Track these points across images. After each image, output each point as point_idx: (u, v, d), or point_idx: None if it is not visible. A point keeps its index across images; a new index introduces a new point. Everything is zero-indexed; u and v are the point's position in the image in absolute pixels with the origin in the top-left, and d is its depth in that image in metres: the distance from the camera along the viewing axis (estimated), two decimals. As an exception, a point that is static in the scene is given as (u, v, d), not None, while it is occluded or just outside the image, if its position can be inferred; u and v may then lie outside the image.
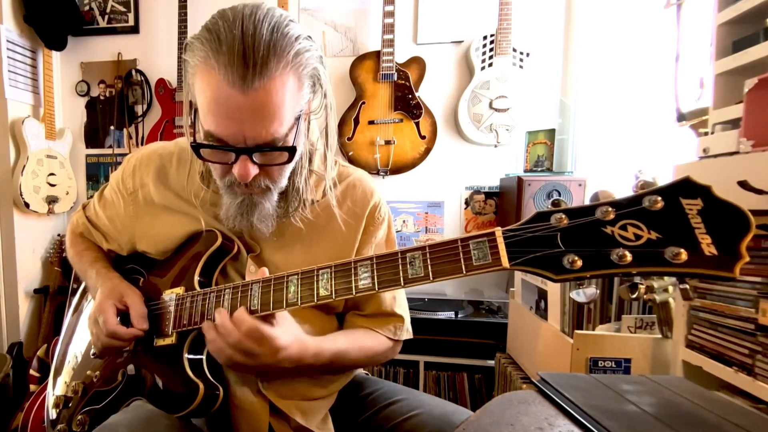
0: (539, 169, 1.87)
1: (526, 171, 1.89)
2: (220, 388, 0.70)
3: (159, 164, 0.82)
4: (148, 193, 0.82)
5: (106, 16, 2.28)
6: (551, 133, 1.86)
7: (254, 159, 0.63)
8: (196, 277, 0.75)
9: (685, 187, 0.43)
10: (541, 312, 1.28)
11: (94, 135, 2.33)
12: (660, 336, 0.96)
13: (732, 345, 0.75)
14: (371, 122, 1.96)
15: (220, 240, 0.75)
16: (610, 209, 0.46)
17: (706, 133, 0.93)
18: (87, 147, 2.34)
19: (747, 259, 0.40)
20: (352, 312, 0.84)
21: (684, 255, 0.42)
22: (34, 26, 2.08)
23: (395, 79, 1.94)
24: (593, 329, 1.08)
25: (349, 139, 1.97)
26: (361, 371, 0.92)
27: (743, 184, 0.66)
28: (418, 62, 1.96)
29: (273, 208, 0.72)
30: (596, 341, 1.00)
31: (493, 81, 1.88)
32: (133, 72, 2.26)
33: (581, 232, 0.47)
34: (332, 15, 2.10)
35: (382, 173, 1.98)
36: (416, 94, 1.95)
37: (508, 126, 1.89)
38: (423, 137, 1.96)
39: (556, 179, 1.70)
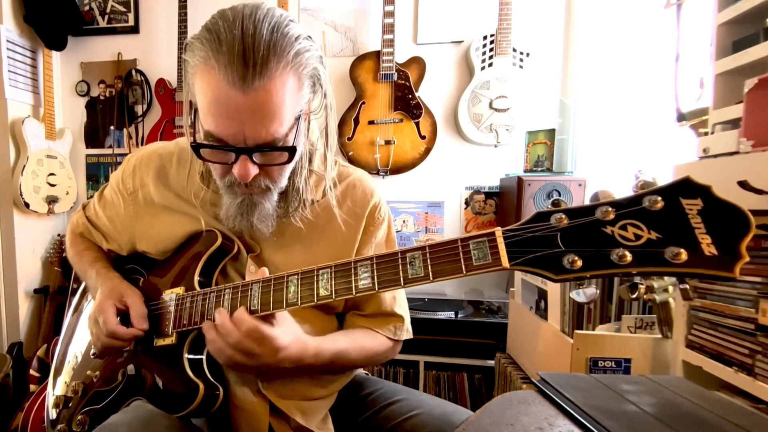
0: (539, 169, 1.87)
1: (526, 171, 1.89)
2: (220, 388, 0.70)
3: (159, 164, 0.82)
4: (148, 193, 0.82)
5: (106, 16, 2.28)
6: (551, 133, 1.87)
7: (254, 159, 0.63)
8: (196, 277, 0.75)
9: (685, 187, 0.43)
10: (541, 312, 1.28)
11: (94, 135, 2.33)
12: (660, 336, 0.96)
13: (732, 345, 0.75)
14: (371, 122, 1.96)
15: (220, 240, 0.75)
16: (610, 209, 0.46)
17: (706, 133, 0.93)
18: (87, 147, 2.34)
19: (747, 259, 0.40)
20: (352, 312, 0.84)
21: (684, 255, 0.42)
22: (34, 26, 2.08)
23: (395, 79, 1.94)
24: (593, 329, 1.08)
25: (349, 139, 1.97)
26: (361, 371, 0.92)
27: (743, 184, 0.66)
28: (418, 62, 1.96)
29: (273, 208, 0.72)
30: (596, 341, 1.00)
31: (493, 81, 1.88)
32: (133, 72, 2.26)
33: (581, 232, 0.47)
34: (332, 15, 2.10)
35: (382, 173, 1.98)
36: (416, 94, 1.95)
37: (508, 126, 1.89)
38: (423, 137, 1.96)
39: (556, 179, 1.70)
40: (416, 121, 1.95)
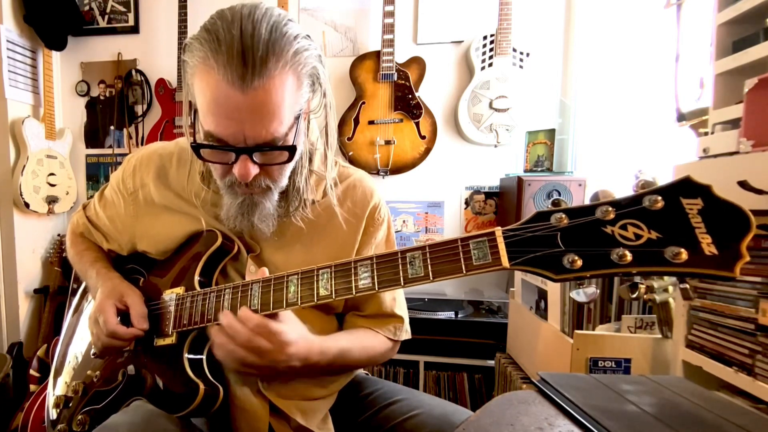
0: (539, 169, 1.87)
1: (526, 171, 1.89)
2: (221, 388, 0.70)
3: (159, 164, 0.82)
4: (149, 193, 0.82)
5: (106, 16, 2.28)
6: (551, 133, 1.86)
7: (254, 158, 0.63)
8: (197, 277, 0.75)
9: (685, 186, 0.43)
10: (541, 312, 1.28)
11: (94, 135, 2.33)
12: (660, 336, 0.96)
13: (732, 345, 0.75)
14: (371, 122, 1.96)
15: (220, 240, 0.75)
16: (610, 209, 0.46)
17: (706, 133, 0.93)
18: (87, 147, 2.34)
19: (747, 258, 0.40)
20: (352, 312, 0.84)
21: (684, 255, 0.42)
22: (34, 26, 2.08)
23: (395, 79, 1.94)
24: (593, 329, 1.08)
25: (349, 139, 1.97)
26: (361, 371, 0.92)
27: (743, 184, 0.66)
28: (418, 62, 1.96)
29: (274, 207, 0.72)
30: (596, 341, 1.00)
31: (493, 81, 1.88)
32: (133, 72, 2.26)
33: (581, 231, 0.47)
34: (332, 15, 2.10)
35: (382, 173, 1.98)
36: (416, 94, 1.95)
37: (508, 126, 1.89)
38: (423, 137, 1.96)
39: (556, 179, 1.70)
40: (416, 121, 1.95)
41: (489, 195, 2.05)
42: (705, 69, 0.99)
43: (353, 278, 0.59)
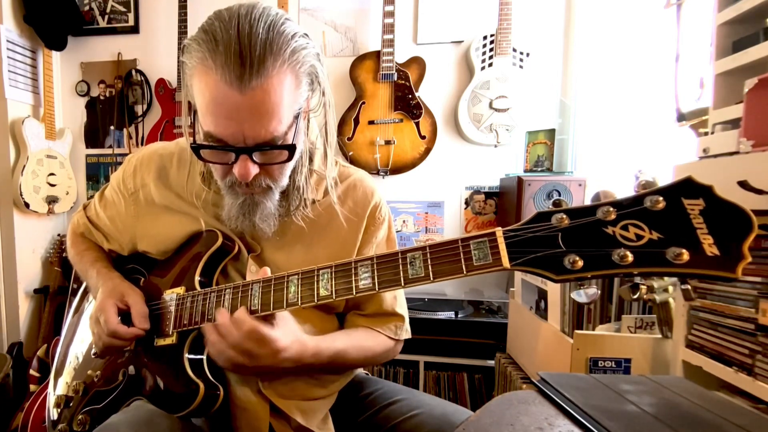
0: (539, 169, 1.87)
1: (526, 171, 1.89)
2: (221, 388, 0.70)
3: (160, 164, 0.82)
4: (149, 193, 0.82)
5: (106, 16, 2.28)
6: (551, 133, 1.87)
7: (254, 158, 0.63)
8: (197, 277, 0.75)
9: (686, 187, 0.43)
10: (541, 312, 1.28)
11: (94, 135, 2.33)
12: (660, 336, 0.96)
13: (732, 345, 0.75)
14: (371, 122, 1.96)
15: (220, 240, 0.75)
16: (611, 209, 0.46)
17: (706, 133, 0.93)
18: (87, 147, 2.34)
19: (749, 259, 0.40)
20: (353, 312, 0.84)
21: (686, 255, 0.41)
22: (34, 26, 2.08)
23: (395, 79, 1.94)
24: (593, 329, 1.08)
25: (349, 139, 1.97)
26: (361, 371, 0.92)
27: (743, 184, 0.66)
28: (418, 62, 1.96)
29: (275, 207, 0.72)
30: (596, 341, 1.00)
31: (493, 81, 1.88)
32: (133, 72, 2.25)
33: (582, 232, 0.47)
34: (332, 15, 2.10)
35: (382, 173, 1.98)
36: (416, 94, 1.95)
37: (508, 126, 1.89)
38: (423, 137, 1.96)
39: (556, 179, 1.70)
40: (416, 121, 1.95)
41: (489, 195, 2.05)
42: (705, 69, 0.99)
43: (353, 278, 0.59)
